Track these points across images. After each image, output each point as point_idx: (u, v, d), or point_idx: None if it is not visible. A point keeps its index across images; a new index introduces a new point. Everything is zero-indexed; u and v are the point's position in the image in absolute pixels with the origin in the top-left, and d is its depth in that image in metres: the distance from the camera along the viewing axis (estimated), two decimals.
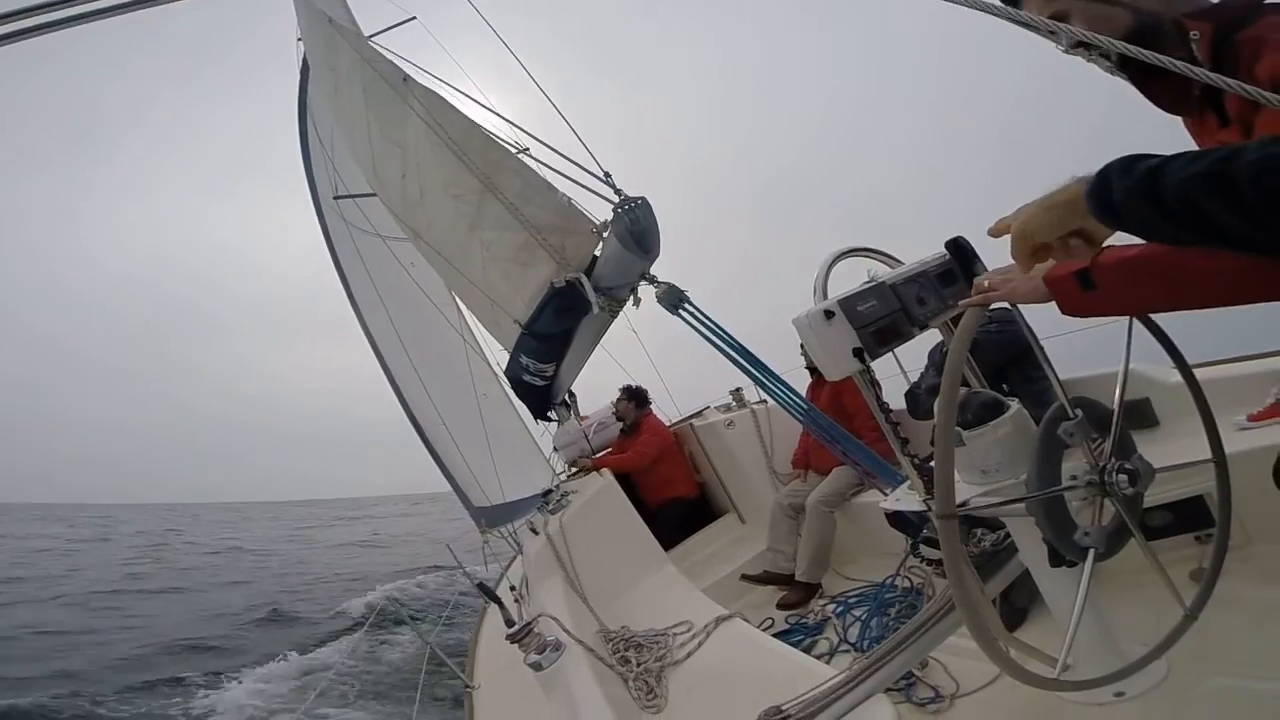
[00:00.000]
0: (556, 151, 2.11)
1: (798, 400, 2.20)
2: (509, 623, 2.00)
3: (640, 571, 2.81)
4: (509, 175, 2.49)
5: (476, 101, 2.49)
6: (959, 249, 1.42)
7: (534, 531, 3.11)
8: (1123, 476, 1.10)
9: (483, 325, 3.73)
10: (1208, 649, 1.38)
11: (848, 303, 1.21)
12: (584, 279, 2.30)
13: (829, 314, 1.18)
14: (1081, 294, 1.01)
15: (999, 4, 0.91)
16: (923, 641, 1.38)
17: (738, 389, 3.99)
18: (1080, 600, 1.11)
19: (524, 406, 4.34)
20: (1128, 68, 0.91)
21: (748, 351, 2.08)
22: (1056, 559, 1.23)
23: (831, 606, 2.61)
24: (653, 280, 2.16)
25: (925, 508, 1.27)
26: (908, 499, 1.43)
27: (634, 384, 4.14)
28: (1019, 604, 1.91)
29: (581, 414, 4.32)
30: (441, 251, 3.13)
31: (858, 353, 1.20)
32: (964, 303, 1.14)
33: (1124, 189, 0.68)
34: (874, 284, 1.27)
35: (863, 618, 2.41)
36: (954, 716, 1.69)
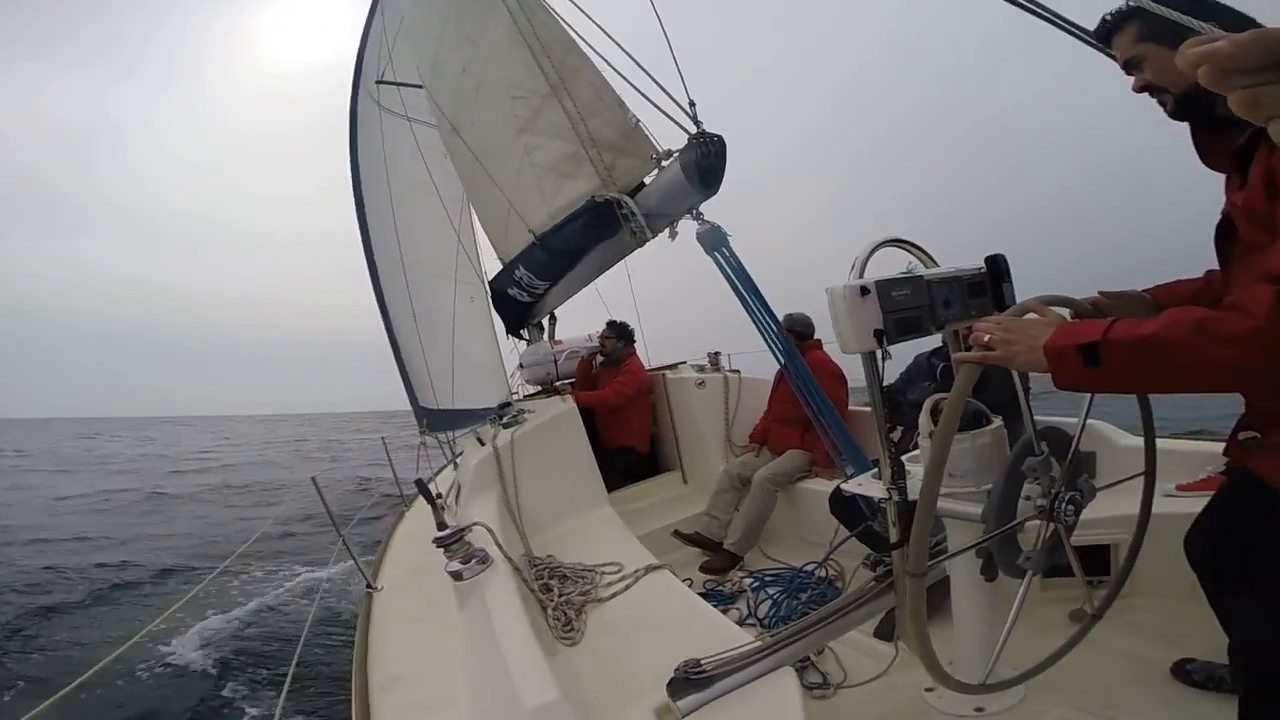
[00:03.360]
0: (644, 69, 1.98)
1: (800, 368, 2.19)
2: (441, 525, 1.96)
3: (578, 506, 2.81)
4: (582, 85, 2.44)
5: (575, 3, 2.35)
6: (996, 266, 1.42)
7: (480, 442, 3.07)
8: (1070, 507, 1.20)
9: (486, 231, 3.69)
10: (1062, 681, 1.52)
11: (884, 285, 1.18)
12: (628, 200, 2.25)
13: (865, 290, 1.16)
14: (1082, 369, 0.94)
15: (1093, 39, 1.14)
16: (834, 627, 1.46)
17: (716, 353, 3.97)
18: (1013, 614, 1.23)
19: (499, 321, 4.30)
20: (1183, 116, 1.06)
21: (770, 309, 2.04)
22: (990, 574, 1.35)
23: (749, 580, 2.68)
24: (699, 217, 2.10)
25: (887, 495, 1.29)
26: (870, 485, 1.44)
27: (619, 320, 4.08)
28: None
29: (556, 338, 4.25)
30: (476, 150, 3.11)
31: (878, 334, 1.18)
32: (959, 357, 1.10)
33: None
34: (912, 275, 1.25)
35: (775, 597, 2.48)
36: (836, 704, 1.77)
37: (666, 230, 2.19)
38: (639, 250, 2.67)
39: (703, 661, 1.24)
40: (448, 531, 1.90)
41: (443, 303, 4.66)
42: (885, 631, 1.96)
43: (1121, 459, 1.86)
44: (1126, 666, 1.67)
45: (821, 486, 2.78)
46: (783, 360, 2.15)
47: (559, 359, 4.11)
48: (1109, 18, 1.11)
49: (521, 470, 2.73)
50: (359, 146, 4.49)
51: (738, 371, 3.81)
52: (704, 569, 2.86)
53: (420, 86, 3.63)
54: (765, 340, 2.08)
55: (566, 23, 2.34)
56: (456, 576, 1.80)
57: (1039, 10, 1.43)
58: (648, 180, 2.29)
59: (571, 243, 2.65)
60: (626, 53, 2.04)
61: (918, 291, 1.23)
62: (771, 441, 3.21)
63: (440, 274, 4.70)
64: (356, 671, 1.73)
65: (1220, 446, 1.96)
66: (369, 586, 2.29)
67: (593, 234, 2.50)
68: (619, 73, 2.11)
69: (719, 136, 1.96)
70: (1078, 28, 1.15)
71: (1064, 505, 1.21)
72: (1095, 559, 1.90)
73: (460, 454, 4.44)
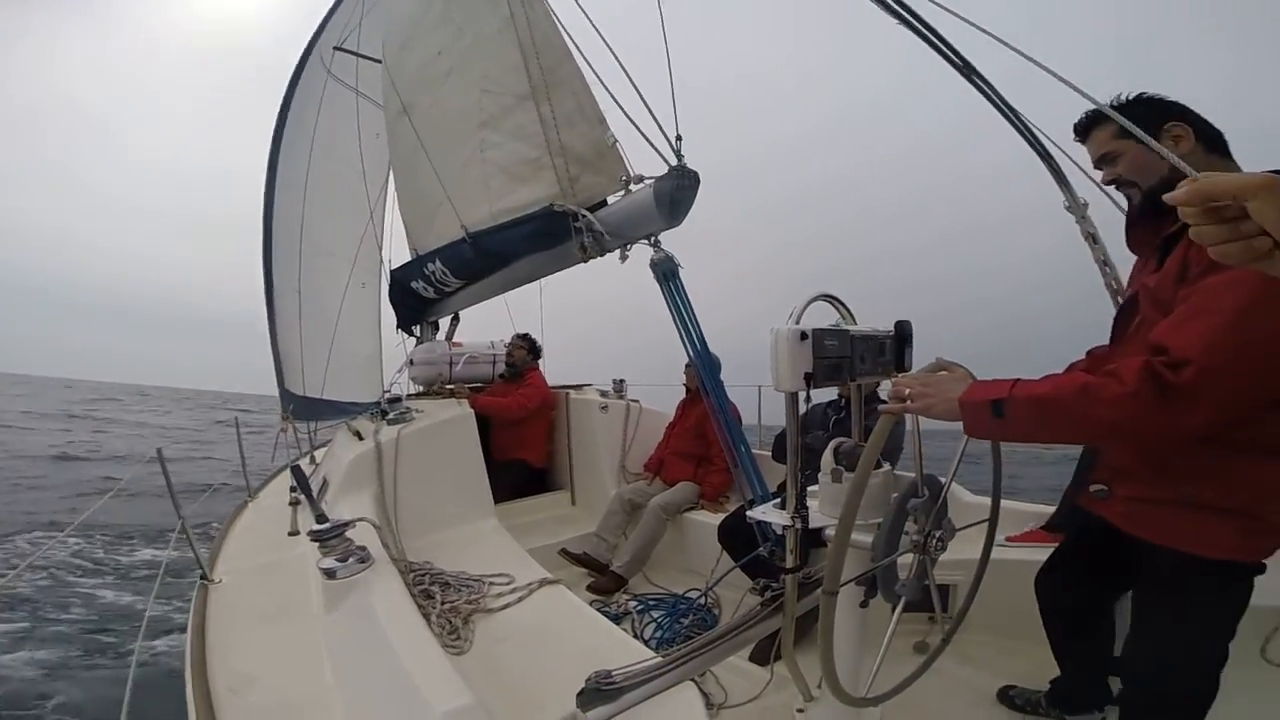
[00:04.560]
0: (640, 95, 2.01)
1: (724, 404, 2.29)
2: (321, 518, 1.80)
3: (462, 515, 2.71)
4: (566, 94, 2.40)
5: (584, 12, 2.34)
6: (901, 332, 1.61)
7: (359, 436, 2.87)
8: (938, 543, 1.39)
9: (406, 219, 3.53)
10: (912, 704, 1.69)
11: (819, 333, 1.30)
12: (587, 214, 2.26)
13: (804, 335, 1.26)
14: (991, 420, 1.07)
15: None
16: (728, 646, 1.53)
17: (621, 380, 4.04)
18: (889, 635, 1.39)
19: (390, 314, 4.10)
20: (1148, 209, 1.18)
21: (706, 345, 2.13)
22: (867, 598, 1.48)
23: (634, 603, 2.72)
24: (656, 244, 2.16)
25: (789, 523, 1.41)
26: (772, 513, 1.55)
27: (525, 332, 4.03)
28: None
29: (456, 340, 4.10)
30: (424, 135, 3.00)
31: (807, 377, 1.29)
32: (883, 409, 1.22)
33: None
34: (841, 329, 1.38)
35: (659, 620, 2.55)
36: None
37: (618, 251, 2.24)
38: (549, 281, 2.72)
39: (614, 673, 1.25)
40: (328, 525, 1.75)
41: (331, 284, 4.42)
42: (760, 656, 2.06)
43: (966, 512, 2.15)
44: (962, 692, 1.88)
45: (707, 519, 2.92)
46: (711, 394, 2.25)
47: (456, 362, 3.95)
48: (1088, 115, 1.22)
49: (405, 471, 2.59)
50: (291, 106, 4.25)
51: (637, 401, 3.90)
52: (591, 589, 2.86)
53: (379, 61, 3.47)
54: (698, 373, 2.18)
55: (568, 32, 2.34)
56: (330, 574, 1.67)
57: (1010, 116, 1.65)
58: (612, 199, 2.32)
59: (510, 246, 2.61)
60: (626, 72, 2.06)
61: (843, 343, 1.37)
62: (666, 472, 3.31)
63: (336, 253, 4.43)
64: (193, 671, 1.51)
65: (1042, 508, 2.33)
66: (203, 578, 2.02)
67: (538, 242, 2.48)
68: (609, 92, 2.13)
69: (696, 173, 2.04)
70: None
71: (934, 542, 1.40)
72: (938, 597, 2.17)
73: (320, 447, 4.09)
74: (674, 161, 2.00)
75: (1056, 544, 1.69)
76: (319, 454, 3.90)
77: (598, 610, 2.63)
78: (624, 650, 1.40)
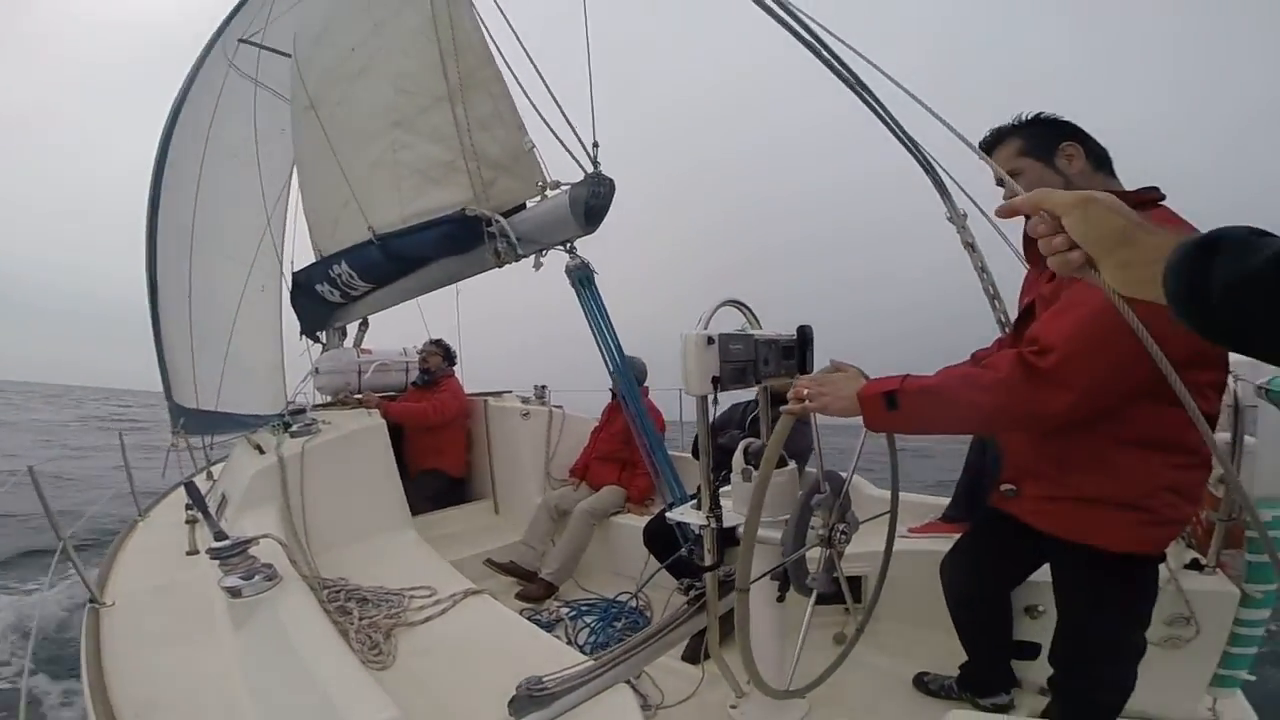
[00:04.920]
0: (556, 102, 2.00)
1: (639, 408, 2.33)
2: (220, 535, 1.70)
3: (378, 528, 2.62)
4: (484, 97, 2.35)
5: (504, 15, 2.32)
6: (803, 336, 1.71)
7: (259, 450, 2.71)
8: (843, 535, 1.47)
9: (310, 220, 3.37)
10: (834, 695, 1.80)
11: (725, 338, 1.38)
12: (501, 219, 2.23)
13: (711, 340, 1.33)
14: (885, 412, 1.14)
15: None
16: (658, 646, 1.57)
17: (543, 386, 4.01)
18: (804, 626, 1.45)
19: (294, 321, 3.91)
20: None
21: (620, 347, 2.16)
22: (783, 592, 1.58)
23: (566, 610, 2.71)
24: (572, 250, 2.16)
25: (704, 523, 1.48)
26: (689, 514, 1.61)
27: (438, 338, 3.92)
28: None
29: (365, 347, 3.93)
30: (332, 133, 2.89)
31: (715, 381, 1.36)
32: (783, 409, 1.29)
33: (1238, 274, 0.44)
34: (746, 334, 1.46)
35: (592, 625, 2.56)
36: None
37: (533, 258, 2.23)
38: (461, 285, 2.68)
39: (545, 679, 1.25)
40: (229, 542, 1.68)
41: (227, 288, 4.15)
42: (691, 655, 2.11)
43: (869, 505, 2.28)
44: (880, 680, 1.95)
45: (634, 522, 2.94)
46: (626, 399, 2.29)
47: (365, 370, 3.79)
48: (991, 133, 1.28)
49: (312, 485, 2.48)
50: (188, 98, 3.97)
51: (560, 407, 3.89)
52: (520, 597, 2.82)
53: (288, 55, 3.28)
54: (612, 377, 2.21)
55: (492, 36, 2.29)
56: (234, 593, 1.59)
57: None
58: (529, 204, 2.31)
59: (420, 250, 2.54)
60: (541, 77, 2.06)
61: (748, 348, 1.46)
62: (591, 477, 3.33)
63: (234, 256, 4.15)
64: (94, 701, 1.39)
65: (939, 500, 2.50)
66: (93, 602, 1.86)
67: (449, 246, 2.43)
68: (529, 97, 2.11)
69: (612, 180, 2.06)
70: (963, 138, 1.16)
71: (839, 534, 1.48)
72: (851, 589, 2.28)
73: (217, 463, 3.81)
74: (590, 168, 2.02)
75: (956, 534, 1.79)
76: (217, 470, 3.63)
77: (528, 619, 2.62)
78: (556, 657, 1.40)
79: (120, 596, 1.94)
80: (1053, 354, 1.01)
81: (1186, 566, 1.60)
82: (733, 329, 1.46)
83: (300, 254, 3.75)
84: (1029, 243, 1.38)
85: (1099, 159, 1.24)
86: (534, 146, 2.21)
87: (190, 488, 2.01)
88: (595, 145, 2.01)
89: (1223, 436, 1.39)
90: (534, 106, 2.11)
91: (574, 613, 2.69)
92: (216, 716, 1.33)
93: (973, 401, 1.07)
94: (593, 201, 2.03)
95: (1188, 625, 1.56)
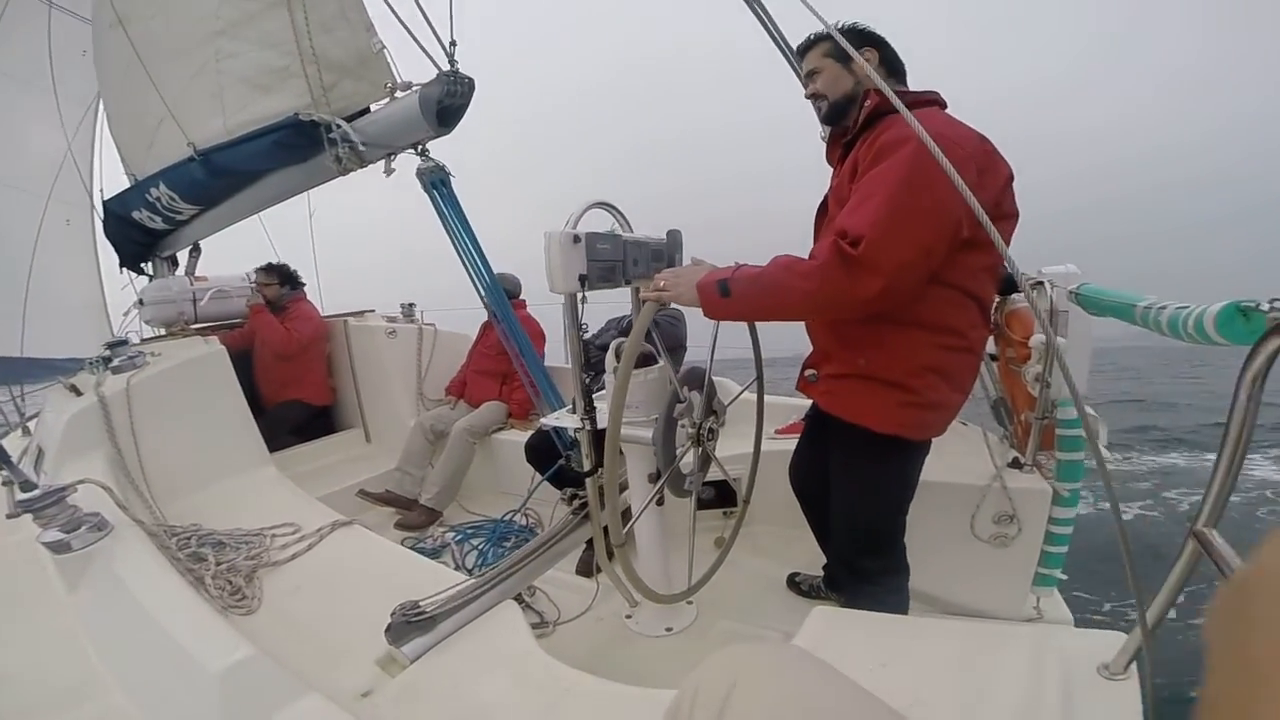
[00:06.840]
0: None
1: (510, 319, 2.24)
2: (27, 485, 1.46)
3: (230, 467, 2.37)
4: None
5: None
6: (673, 239, 1.73)
7: (76, 392, 2.33)
8: (711, 430, 1.55)
9: (120, 144, 2.94)
10: (718, 599, 1.90)
11: (591, 238, 1.35)
12: (342, 123, 1.98)
13: (576, 239, 1.30)
14: (719, 300, 1.19)
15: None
16: (544, 559, 1.59)
17: (410, 304, 3.75)
18: (691, 529, 1.57)
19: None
20: (831, 120, 1.38)
21: (485, 257, 2.03)
22: (661, 499, 1.65)
23: (451, 535, 2.66)
24: (424, 153, 1.97)
25: (581, 425, 1.50)
26: (566, 418, 1.62)
27: (279, 261, 3.49)
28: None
29: (199, 274, 3.41)
30: (142, 49, 2.52)
31: (582, 278, 1.34)
32: (644, 295, 1.32)
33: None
34: (614, 235, 1.44)
35: (480, 547, 2.52)
36: (555, 641, 1.83)
37: (382, 163, 2.00)
38: (325, 186, 2.39)
39: (421, 603, 1.22)
40: (38, 492, 1.47)
41: (20, 224, 3.60)
42: (584, 569, 2.17)
43: (737, 407, 2.21)
44: (757, 582, 2.01)
45: (517, 437, 2.87)
46: (492, 309, 2.20)
47: (200, 297, 3.32)
48: (811, 36, 1.36)
49: (145, 425, 2.18)
50: None
51: (432, 324, 3.68)
52: (400, 525, 2.74)
53: None
54: (475, 287, 2.09)
55: None
56: (59, 548, 1.41)
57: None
58: (375, 107, 2.07)
59: (250, 163, 2.21)
60: None
61: (616, 248, 1.44)
62: (470, 394, 3.22)
63: (24, 188, 3.51)
64: None
65: (805, 401, 2.71)
66: None
67: (283, 155, 2.13)
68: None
69: (470, 79, 1.88)
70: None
71: (707, 430, 1.57)
72: (725, 494, 2.34)
73: (33, 416, 3.26)
74: (445, 67, 1.83)
75: None
76: (34, 425, 3.09)
77: (412, 546, 2.54)
78: (439, 582, 1.37)
79: None
80: (862, 241, 1.07)
81: (1009, 466, 1.67)
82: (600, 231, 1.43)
83: (114, 184, 3.17)
84: (829, 145, 1.45)
85: (891, 66, 1.32)
86: (384, 48, 1.97)
87: None
88: (453, 44, 1.82)
89: (1039, 339, 1.46)
90: (388, 3, 1.85)
91: (460, 537, 2.64)
92: (73, 678, 1.19)
93: (795, 288, 1.13)
94: (447, 101, 1.84)
95: (1011, 523, 1.62)
